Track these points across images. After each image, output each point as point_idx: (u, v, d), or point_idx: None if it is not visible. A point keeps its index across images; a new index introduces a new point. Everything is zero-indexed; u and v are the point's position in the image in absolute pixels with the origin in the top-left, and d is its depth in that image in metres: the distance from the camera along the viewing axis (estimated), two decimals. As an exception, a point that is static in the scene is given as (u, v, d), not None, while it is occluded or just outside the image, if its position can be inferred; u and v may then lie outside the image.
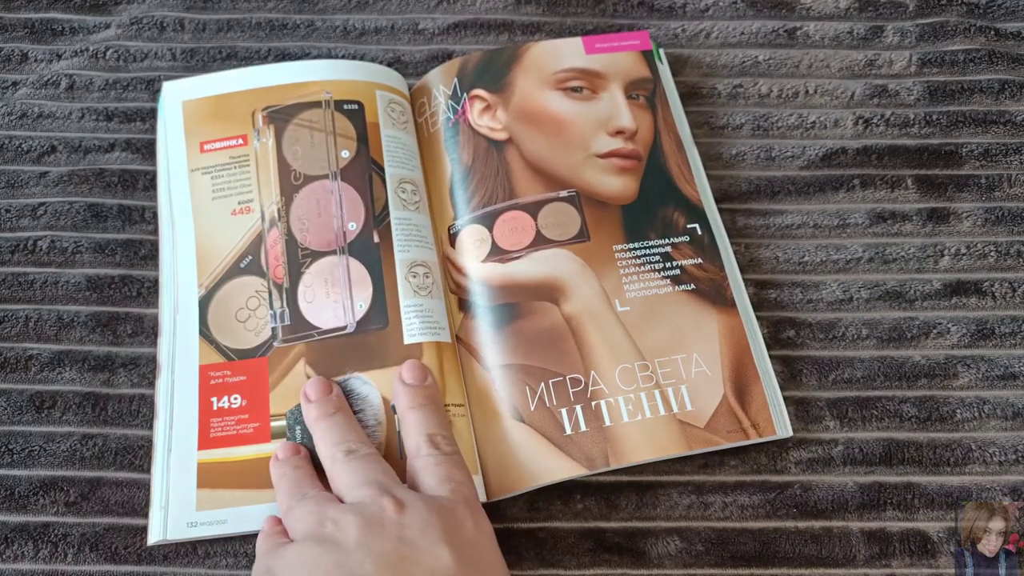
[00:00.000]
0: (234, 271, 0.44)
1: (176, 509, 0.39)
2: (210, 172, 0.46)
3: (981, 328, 0.46)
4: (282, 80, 0.48)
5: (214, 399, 0.42)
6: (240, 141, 0.47)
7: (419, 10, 0.56)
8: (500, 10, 0.56)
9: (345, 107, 0.47)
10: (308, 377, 0.42)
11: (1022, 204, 0.49)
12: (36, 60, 0.54)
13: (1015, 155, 0.51)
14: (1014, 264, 0.48)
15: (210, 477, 0.40)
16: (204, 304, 0.44)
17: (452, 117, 0.49)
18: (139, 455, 0.42)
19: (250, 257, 0.44)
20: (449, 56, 0.54)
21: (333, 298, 0.43)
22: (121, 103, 0.52)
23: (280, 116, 0.47)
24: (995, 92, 0.53)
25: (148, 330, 0.45)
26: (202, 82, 0.49)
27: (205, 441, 0.41)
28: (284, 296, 0.43)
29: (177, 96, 0.48)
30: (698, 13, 0.56)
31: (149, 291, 0.46)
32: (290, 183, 0.45)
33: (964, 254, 0.48)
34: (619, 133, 0.48)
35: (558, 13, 0.56)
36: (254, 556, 0.40)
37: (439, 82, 0.50)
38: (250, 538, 0.40)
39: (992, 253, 0.48)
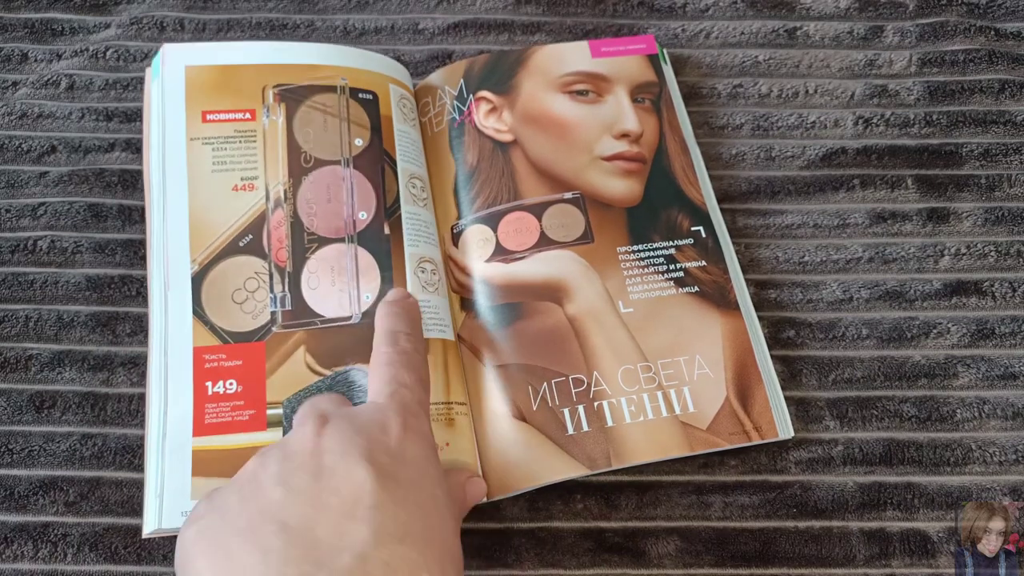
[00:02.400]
0: (232, 249, 0.42)
1: (171, 498, 0.38)
2: (211, 143, 0.44)
3: (981, 328, 0.46)
4: (295, 60, 0.46)
5: (209, 383, 0.40)
6: (247, 115, 0.45)
7: (419, 10, 0.56)
8: (500, 10, 0.56)
9: (360, 96, 0.46)
10: (308, 367, 0.41)
11: (1022, 204, 0.49)
12: (36, 60, 0.54)
13: (1015, 155, 0.51)
14: (1014, 264, 0.48)
15: (205, 465, 0.38)
16: (198, 281, 0.41)
17: (458, 118, 0.49)
18: (138, 454, 0.42)
19: (250, 236, 0.42)
20: (449, 56, 0.54)
21: (338, 287, 0.42)
22: (121, 103, 0.52)
23: (292, 96, 0.45)
24: (995, 92, 0.53)
25: (147, 329, 0.45)
26: (209, 49, 0.46)
27: (200, 427, 0.39)
28: (286, 280, 0.42)
29: (180, 60, 0.45)
30: (698, 13, 0.56)
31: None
32: (299, 165, 0.44)
33: (964, 254, 0.48)
34: (624, 136, 0.48)
35: (558, 13, 0.56)
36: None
37: (445, 83, 0.50)
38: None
39: (992, 253, 0.48)
